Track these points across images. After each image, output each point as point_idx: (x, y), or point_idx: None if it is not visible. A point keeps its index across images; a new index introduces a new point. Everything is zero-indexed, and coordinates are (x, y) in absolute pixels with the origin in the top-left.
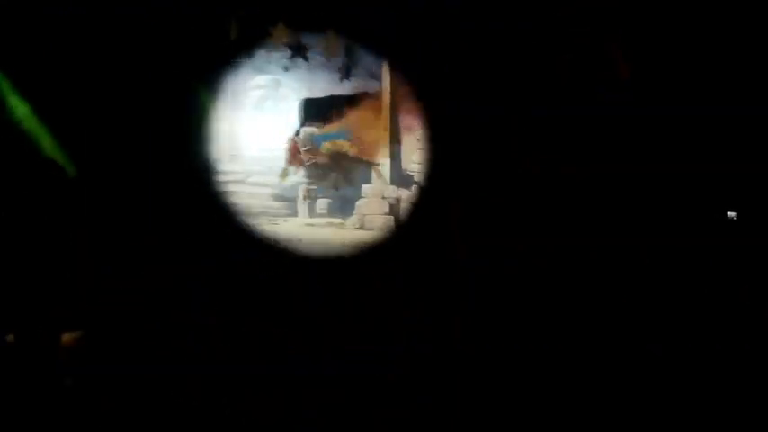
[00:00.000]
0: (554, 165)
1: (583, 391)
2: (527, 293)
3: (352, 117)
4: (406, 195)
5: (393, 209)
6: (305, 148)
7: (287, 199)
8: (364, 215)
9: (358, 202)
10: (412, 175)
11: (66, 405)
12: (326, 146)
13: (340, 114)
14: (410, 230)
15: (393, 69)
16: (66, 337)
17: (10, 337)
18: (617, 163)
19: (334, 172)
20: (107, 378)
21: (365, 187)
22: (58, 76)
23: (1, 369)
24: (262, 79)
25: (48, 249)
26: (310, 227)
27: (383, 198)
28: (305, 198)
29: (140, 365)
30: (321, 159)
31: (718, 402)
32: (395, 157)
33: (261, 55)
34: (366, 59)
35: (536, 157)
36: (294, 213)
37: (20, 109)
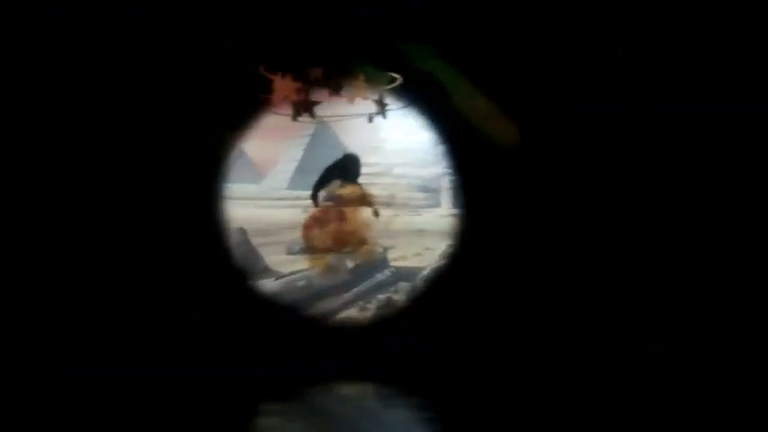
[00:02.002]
0: (554, 165)
1: (582, 390)
2: (525, 293)
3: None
4: None
5: None
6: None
7: (430, 190)
8: None
9: None
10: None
11: (66, 405)
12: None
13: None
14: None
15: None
16: (67, 338)
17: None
18: (617, 163)
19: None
20: (107, 378)
21: None
22: (59, 76)
23: (1, 369)
24: None
25: (48, 249)
26: (452, 217)
27: None
28: (449, 188)
29: (140, 365)
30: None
31: (718, 402)
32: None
33: None
34: None
35: (536, 157)
36: (437, 204)
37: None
